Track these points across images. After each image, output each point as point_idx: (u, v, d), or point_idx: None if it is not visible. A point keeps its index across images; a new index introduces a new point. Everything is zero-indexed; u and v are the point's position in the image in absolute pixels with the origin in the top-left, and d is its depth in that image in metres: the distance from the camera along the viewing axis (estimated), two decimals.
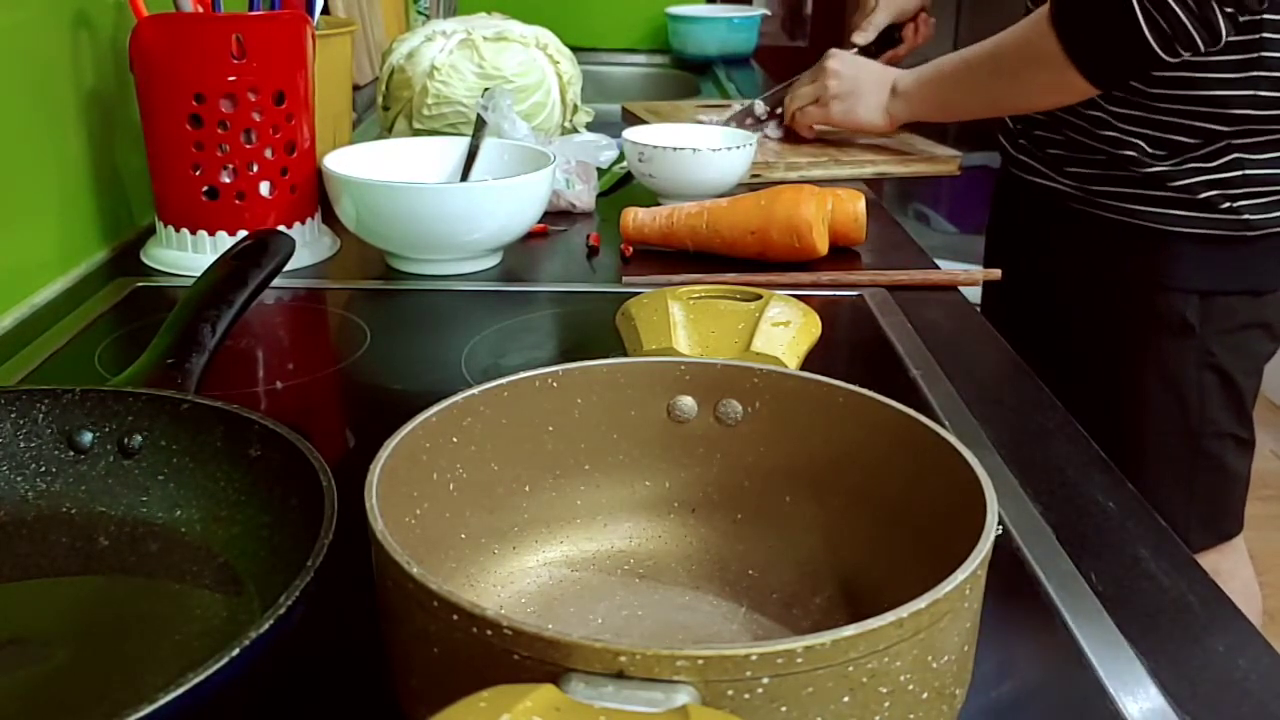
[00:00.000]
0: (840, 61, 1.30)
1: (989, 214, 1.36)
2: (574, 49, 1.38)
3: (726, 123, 1.40)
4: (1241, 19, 0.96)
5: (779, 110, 1.40)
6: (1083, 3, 1.00)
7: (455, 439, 0.49)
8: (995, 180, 1.34)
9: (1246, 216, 1.06)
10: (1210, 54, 0.99)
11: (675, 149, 1.12)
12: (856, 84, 1.27)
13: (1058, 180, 1.16)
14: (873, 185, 1.29)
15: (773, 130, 1.39)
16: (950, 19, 3.23)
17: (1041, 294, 1.22)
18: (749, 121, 1.41)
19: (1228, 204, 1.06)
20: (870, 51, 1.40)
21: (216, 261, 0.71)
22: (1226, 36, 0.96)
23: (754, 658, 0.33)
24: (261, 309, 0.90)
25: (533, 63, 1.28)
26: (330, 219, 1.02)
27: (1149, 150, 1.07)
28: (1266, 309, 1.11)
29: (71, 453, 0.56)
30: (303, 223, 1.00)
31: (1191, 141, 1.05)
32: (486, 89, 1.18)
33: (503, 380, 0.51)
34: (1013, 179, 1.24)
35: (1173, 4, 0.94)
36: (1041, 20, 1.03)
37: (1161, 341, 1.11)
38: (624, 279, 0.98)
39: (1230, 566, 1.18)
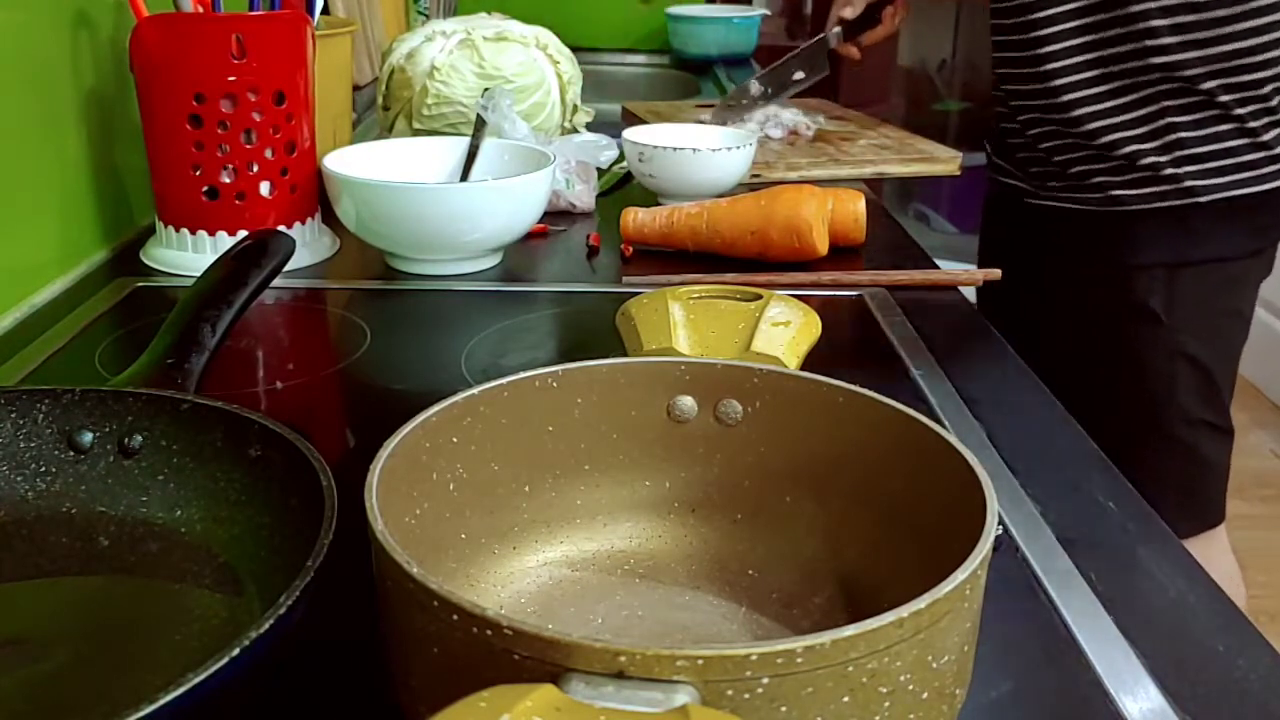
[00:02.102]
0: None
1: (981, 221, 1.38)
2: (574, 49, 1.38)
3: (724, 106, 1.40)
4: None
5: (769, 90, 1.40)
6: None
7: (455, 439, 0.49)
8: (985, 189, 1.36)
9: (1189, 184, 1.08)
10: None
11: (675, 149, 1.12)
12: None
13: (1015, 175, 1.19)
14: (873, 185, 1.30)
15: (774, 130, 1.39)
16: (950, 17, 3.23)
17: (1029, 298, 1.24)
18: (744, 101, 1.41)
19: (1170, 170, 1.07)
20: (855, 26, 1.41)
21: (216, 261, 0.71)
22: None
23: (754, 658, 0.33)
24: (261, 309, 0.90)
25: (533, 63, 1.28)
26: (330, 219, 1.02)
27: (1093, 121, 1.09)
28: (1233, 291, 1.13)
29: (71, 453, 0.56)
30: (303, 223, 1.00)
31: (1127, 103, 1.07)
32: (486, 89, 1.18)
33: (503, 380, 0.51)
34: (993, 184, 1.28)
35: None
36: None
37: (1129, 329, 1.13)
38: (624, 279, 0.98)
39: (1208, 558, 1.18)
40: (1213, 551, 1.19)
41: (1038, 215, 1.19)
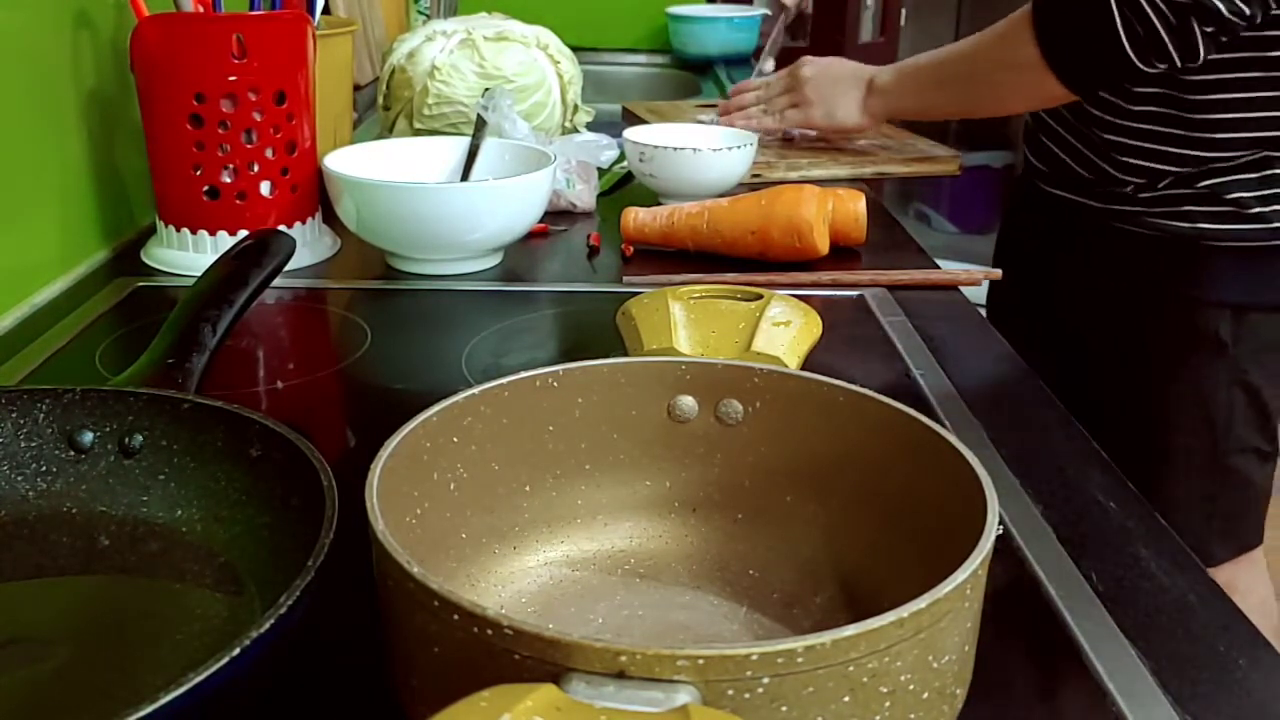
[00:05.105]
0: (814, 66, 1.30)
1: (1000, 221, 1.32)
2: (574, 49, 1.38)
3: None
4: (1224, 39, 0.94)
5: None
6: (1063, 5, 0.98)
7: (456, 439, 0.49)
8: (1010, 186, 1.31)
9: (1277, 225, 1.03)
10: (1238, 54, 0.97)
11: (676, 149, 1.12)
12: (833, 87, 1.28)
13: (1081, 192, 1.12)
14: (873, 185, 1.29)
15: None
16: (950, 18, 3.23)
17: (1059, 308, 1.18)
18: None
19: (1258, 208, 1.03)
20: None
21: (217, 261, 0.71)
22: (1206, 54, 0.94)
23: (754, 657, 0.33)
24: (262, 309, 0.90)
25: (533, 63, 1.28)
26: (331, 219, 1.02)
27: (1177, 158, 1.04)
28: None
29: (72, 452, 0.56)
30: (303, 222, 1.00)
31: (1222, 140, 1.02)
32: (487, 89, 1.18)
33: (503, 380, 0.51)
34: (1032, 187, 1.21)
35: (1150, 13, 0.92)
36: (1021, 21, 1.01)
37: (1192, 359, 1.08)
38: (624, 279, 0.98)
39: (1247, 582, 1.15)
40: (1250, 575, 1.17)
41: (1092, 231, 1.12)
